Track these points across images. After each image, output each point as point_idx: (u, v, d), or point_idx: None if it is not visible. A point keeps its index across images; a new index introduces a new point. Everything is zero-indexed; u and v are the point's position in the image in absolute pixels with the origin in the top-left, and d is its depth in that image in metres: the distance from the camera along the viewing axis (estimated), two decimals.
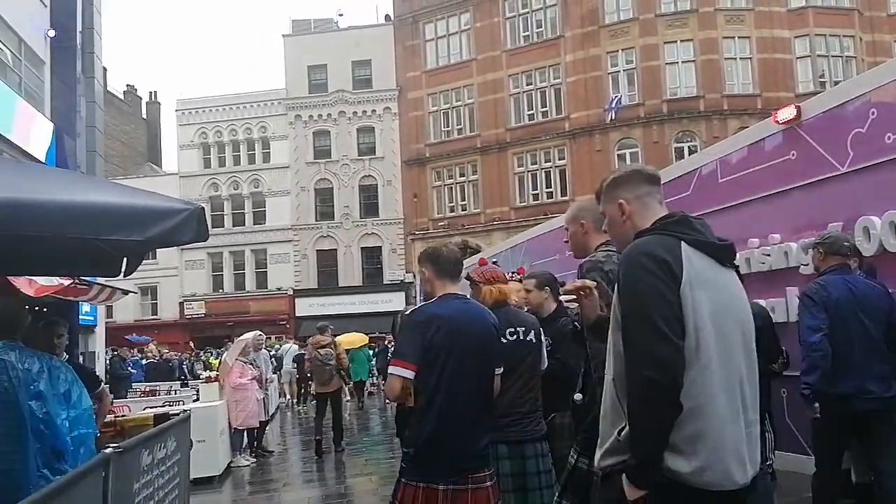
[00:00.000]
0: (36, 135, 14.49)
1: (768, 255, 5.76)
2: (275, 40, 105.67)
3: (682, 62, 26.84)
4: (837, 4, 26.99)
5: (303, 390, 18.36)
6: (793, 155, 5.50)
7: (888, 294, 4.06)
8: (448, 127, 31.50)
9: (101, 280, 8.28)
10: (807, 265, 4.94)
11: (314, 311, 29.98)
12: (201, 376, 16.03)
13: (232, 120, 34.12)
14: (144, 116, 45.10)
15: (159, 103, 46.29)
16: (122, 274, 4.02)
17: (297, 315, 32.01)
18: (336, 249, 32.70)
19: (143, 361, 20.90)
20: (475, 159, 30.57)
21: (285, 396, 18.62)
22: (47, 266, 4.52)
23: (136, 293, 28.07)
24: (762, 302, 5.78)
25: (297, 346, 19.94)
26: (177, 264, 33.37)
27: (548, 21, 29.41)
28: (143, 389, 14.57)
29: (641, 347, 1.85)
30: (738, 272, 2.09)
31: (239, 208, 34.11)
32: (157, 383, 16.12)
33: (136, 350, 23.74)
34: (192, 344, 30.33)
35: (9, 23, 14.37)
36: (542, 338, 3.79)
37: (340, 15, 53.47)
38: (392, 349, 9.32)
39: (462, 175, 31.01)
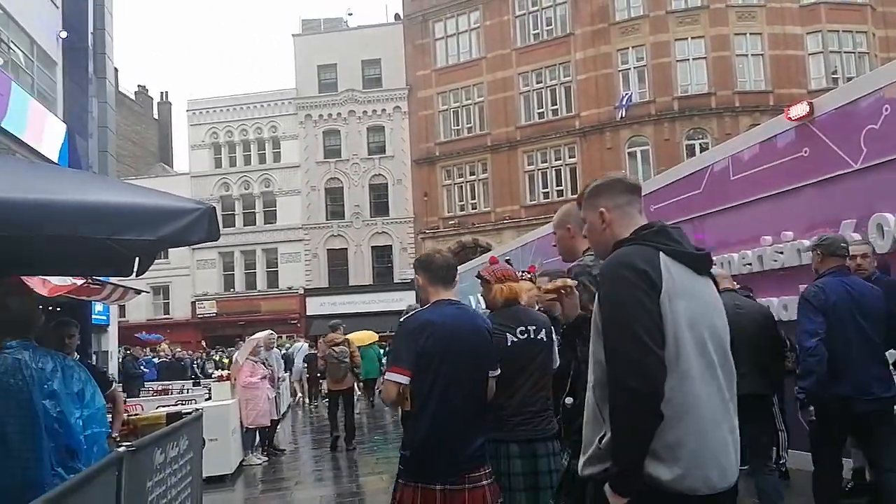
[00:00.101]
0: (48, 135, 14.62)
1: (781, 252, 5.72)
2: (285, 40, 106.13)
3: (694, 59, 26.63)
4: (850, 0, 26.72)
5: (313, 389, 18.41)
6: (805, 152, 5.46)
7: (886, 296, 4.05)
8: (458, 125, 31.47)
9: (113, 280, 8.33)
10: None
11: (325, 310, 30.02)
12: (213, 375, 16.12)
13: (242, 120, 34.25)
14: (156, 117, 45.41)
15: (170, 103, 46.64)
16: (134, 273, 4.05)
17: (307, 314, 32.11)
18: (346, 248, 32.77)
19: (156, 360, 21.06)
20: (485, 158, 30.52)
21: (296, 395, 18.66)
22: (60, 266, 4.54)
23: (148, 293, 28.24)
24: (774, 300, 5.74)
25: (307, 345, 19.99)
26: (188, 264, 33.55)
27: (558, 19, 29.30)
28: (155, 388, 14.66)
29: (623, 357, 1.87)
30: (714, 281, 2.14)
31: (250, 208, 34.24)
32: (170, 382, 16.24)
33: (148, 349, 23.94)
34: (203, 343, 30.53)
35: (21, 25, 14.51)
36: (554, 336, 3.78)
37: (350, 14, 53.75)
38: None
39: (472, 174, 31.00)
